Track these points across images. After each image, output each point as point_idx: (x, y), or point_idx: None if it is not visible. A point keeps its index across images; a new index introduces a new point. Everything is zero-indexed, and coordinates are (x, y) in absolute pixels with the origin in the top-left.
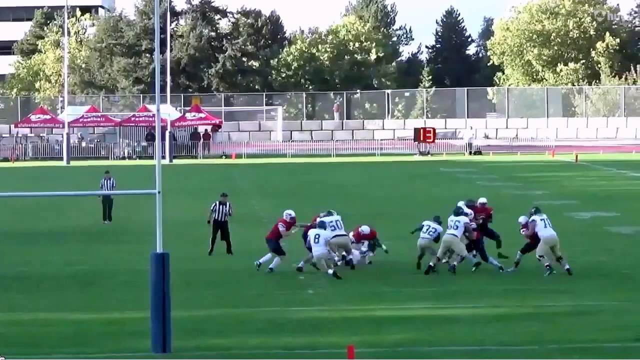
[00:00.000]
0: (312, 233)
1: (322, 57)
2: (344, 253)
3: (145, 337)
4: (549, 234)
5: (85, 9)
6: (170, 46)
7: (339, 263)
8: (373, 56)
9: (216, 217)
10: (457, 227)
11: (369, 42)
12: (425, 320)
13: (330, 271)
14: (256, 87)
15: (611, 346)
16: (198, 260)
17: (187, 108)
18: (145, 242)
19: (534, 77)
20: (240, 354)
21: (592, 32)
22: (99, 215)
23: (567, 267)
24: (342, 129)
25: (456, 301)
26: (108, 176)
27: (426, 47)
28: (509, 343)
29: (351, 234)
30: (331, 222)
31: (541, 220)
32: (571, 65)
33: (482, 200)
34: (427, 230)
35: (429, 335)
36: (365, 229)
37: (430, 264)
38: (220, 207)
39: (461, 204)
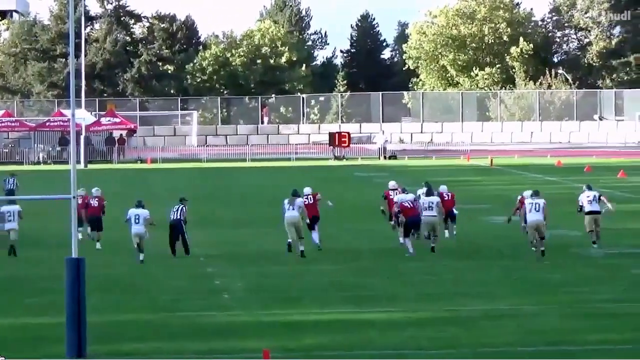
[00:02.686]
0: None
1: (236, 62)
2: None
3: (61, 343)
4: (533, 218)
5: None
6: (85, 51)
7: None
8: (284, 60)
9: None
10: (432, 207)
11: (283, 47)
12: (341, 325)
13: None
14: (171, 91)
15: (525, 350)
16: (112, 266)
17: (102, 113)
18: (60, 247)
19: (449, 81)
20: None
21: (505, 38)
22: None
23: (542, 248)
24: (257, 134)
25: (371, 306)
26: (12, 176)
27: (341, 51)
28: (425, 347)
29: None
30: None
31: (529, 204)
32: (487, 69)
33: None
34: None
35: (345, 339)
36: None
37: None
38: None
39: (422, 191)
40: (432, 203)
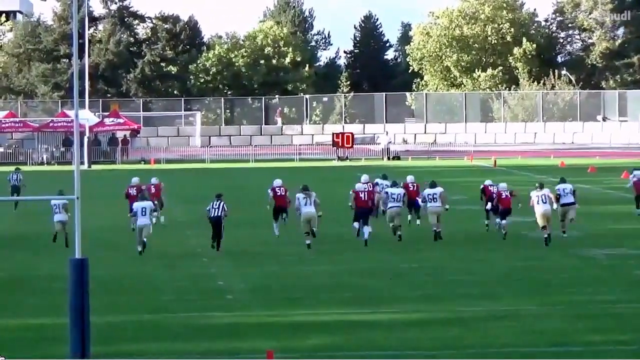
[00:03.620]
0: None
1: (239, 63)
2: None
3: (63, 343)
4: (543, 209)
5: (2, 15)
6: (89, 51)
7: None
8: (287, 60)
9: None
10: (436, 198)
11: (286, 47)
12: (343, 326)
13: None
14: (175, 92)
15: (528, 351)
16: (115, 266)
17: (106, 113)
18: (61, 247)
19: (453, 82)
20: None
21: (508, 39)
22: (13, 221)
23: (545, 235)
24: (261, 134)
25: (374, 307)
26: (17, 171)
27: (344, 52)
28: (427, 348)
29: None
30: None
31: (537, 196)
32: (489, 71)
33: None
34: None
35: (347, 340)
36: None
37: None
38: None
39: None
40: (436, 194)
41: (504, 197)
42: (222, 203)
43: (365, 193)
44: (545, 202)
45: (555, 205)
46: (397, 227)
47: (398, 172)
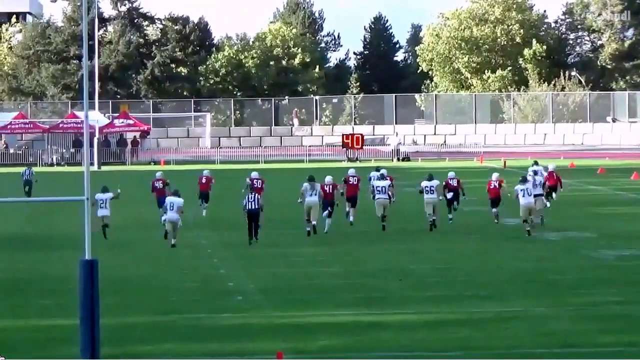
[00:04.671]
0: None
1: (249, 64)
2: None
3: (73, 344)
4: (526, 201)
5: (11, 16)
6: (99, 53)
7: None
8: (297, 61)
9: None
10: (433, 190)
11: (295, 48)
12: (353, 327)
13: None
14: (184, 93)
15: (536, 352)
16: (124, 267)
17: (116, 114)
18: (69, 248)
19: (463, 84)
20: None
21: (518, 40)
22: (23, 222)
23: (528, 228)
24: (271, 135)
25: (383, 308)
26: (29, 168)
27: (354, 53)
28: (436, 349)
29: None
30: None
31: (521, 190)
32: (499, 72)
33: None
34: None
35: (356, 341)
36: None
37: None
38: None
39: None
40: (433, 187)
41: (492, 187)
42: (257, 196)
43: (331, 186)
44: (529, 195)
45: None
46: (383, 216)
47: (408, 174)
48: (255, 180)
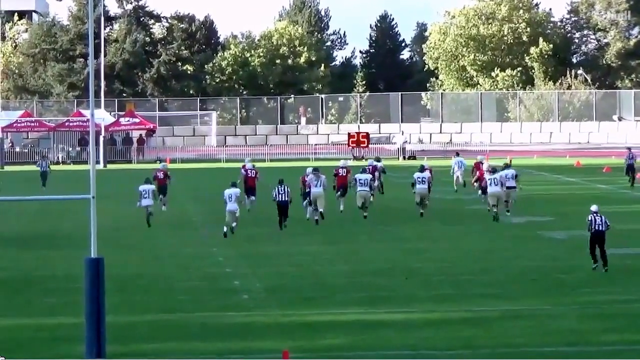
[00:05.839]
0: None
1: (255, 62)
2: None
3: (78, 343)
4: (493, 190)
5: (18, 14)
6: (105, 51)
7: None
8: (303, 60)
9: (279, 199)
10: (424, 181)
11: (301, 47)
12: (358, 326)
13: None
14: (190, 92)
15: (542, 350)
16: (130, 265)
17: (122, 113)
18: (74, 247)
19: (469, 82)
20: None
21: (524, 39)
22: (29, 220)
23: (493, 213)
24: (277, 134)
25: (389, 306)
26: (44, 159)
27: (360, 51)
28: (442, 348)
29: None
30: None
31: (489, 179)
32: (507, 71)
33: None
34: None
35: (362, 340)
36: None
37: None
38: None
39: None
40: (424, 178)
41: (484, 175)
42: (286, 187)
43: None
44: (496, 185)
45: (503, 188)
46: (364, 207)
47: (414, 172)
48: (249, 170)
